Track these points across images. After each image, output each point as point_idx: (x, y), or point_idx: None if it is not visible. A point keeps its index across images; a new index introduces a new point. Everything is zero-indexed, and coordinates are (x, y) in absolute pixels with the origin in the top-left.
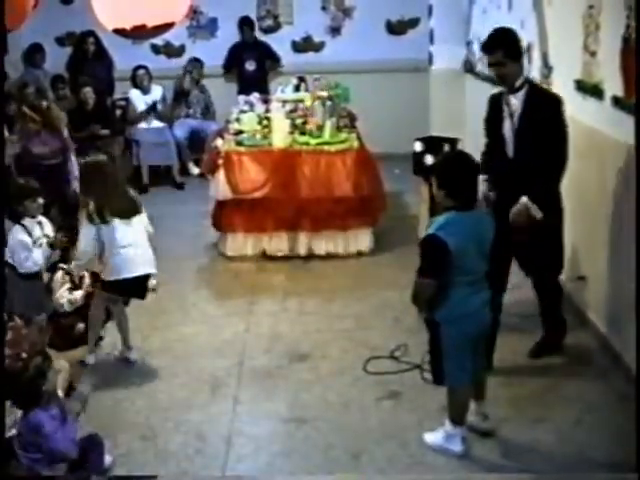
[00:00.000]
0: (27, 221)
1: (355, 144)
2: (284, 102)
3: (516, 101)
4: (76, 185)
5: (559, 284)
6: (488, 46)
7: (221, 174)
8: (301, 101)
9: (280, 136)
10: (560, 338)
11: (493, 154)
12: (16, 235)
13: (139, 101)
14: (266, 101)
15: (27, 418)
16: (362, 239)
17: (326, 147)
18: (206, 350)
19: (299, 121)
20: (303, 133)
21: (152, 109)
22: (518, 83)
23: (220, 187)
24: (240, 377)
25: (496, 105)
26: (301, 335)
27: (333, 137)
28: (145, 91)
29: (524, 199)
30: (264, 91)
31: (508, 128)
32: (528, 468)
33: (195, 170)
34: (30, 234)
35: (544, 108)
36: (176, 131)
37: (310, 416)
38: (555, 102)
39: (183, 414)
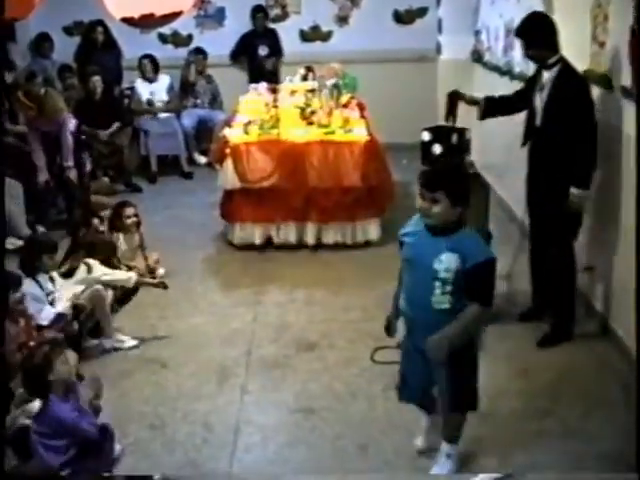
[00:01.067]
0: (40, 276)
1: (363, 134)
2: (292, 91)
3: (548, 77)
4: (73, 174)
5: (574, 266)
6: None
7: (229, 164)
8: (309, 90)
9: (288, 126)
10: (570, 327)
11: (501, 99)
12: (28, 289)
13: (144, 90)
14: (274, 90)
15: (47, 408)
16: (370, 229)
17: (334, 137)
18: (214, 340)
19: (307, 110)
20: (311, 123)
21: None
22: (552, 60)
23: (228, 177)
24: (248, 367)
25: (533, 78)
26: (309, 325)
27: (341, 127)
28: (150, 80)
29: (573, 190)
30: (275, 79)
31: (538, 101)
32: (535, 460)
33: (202, 160)
34: (42, 288)
35: (570, 86)
36: (184, 121)
37: (317, 406)
38: (581, 82)
39: (191, 404)
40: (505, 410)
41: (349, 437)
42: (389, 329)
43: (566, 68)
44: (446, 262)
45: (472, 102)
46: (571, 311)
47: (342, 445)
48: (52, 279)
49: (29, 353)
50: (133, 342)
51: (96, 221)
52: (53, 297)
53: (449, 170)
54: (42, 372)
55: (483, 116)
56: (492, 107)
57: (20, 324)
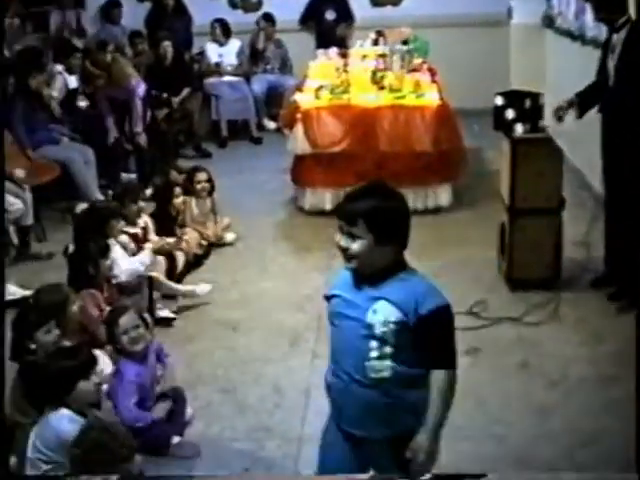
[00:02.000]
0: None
1: (435, 98)
2: (363, 56)
3: (618, 38)
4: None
5: None
6: None
7: (300, 129)
8: (380, 55)
9: (359, 90)
10: None
11: (590, 88)
12: (115, 254)
13: (213, 53)
14: (344, 55)
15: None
16: (441, 195)
17: (405, 101)
18: (285, 304)
19: (378, 75)
20: (382, 87)
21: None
22: (621, 21)
23: (299, 142)
24: (319, 332)
25: (606, 43)
26: None
27: (412, 91)
28: (220, 44)
29: None
30: (344, 44)
31: (610, 64)
32: (604, 427)
33: (272, 125)
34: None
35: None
36: (254, 86)
37: None
38: None
39: (262, 367)
40: (575, 377)
41: None
42: None
43: (635, 28)
44: (382, 313)
45: (569, 105)
46: None
47: None
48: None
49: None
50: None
51: (178, 189)
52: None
53: (374, 194)
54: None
55: (581, 113)
56: (586, 99)
57: (104, 293)
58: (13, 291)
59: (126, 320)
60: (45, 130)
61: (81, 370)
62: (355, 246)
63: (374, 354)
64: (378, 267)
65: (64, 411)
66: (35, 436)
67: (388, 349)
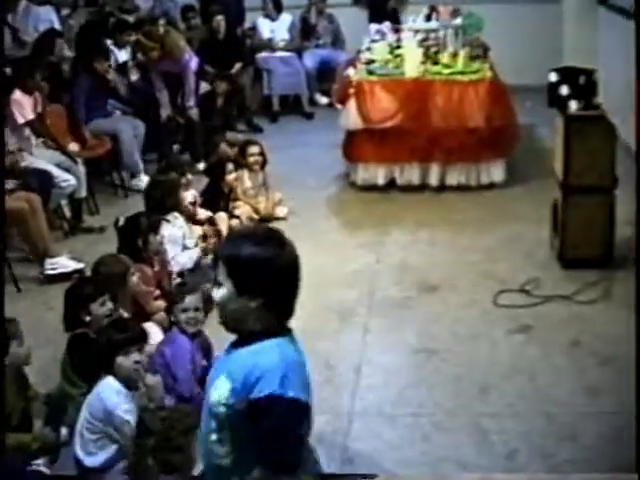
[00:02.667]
0: (170, 215)
1: (488, 74)
2: (416, 31)
3: None
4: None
5: None
6: None
7: (352, 104)
8: (433, 31)
9: (412, 66)
10: None
11: None
12: (165, 230)
13: (265, 28)
14: (397, 30)
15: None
16: (495, 171)
17: (459, 77)
18: (336, 280)
19: (431, 51)
20: (436, 63)
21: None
22: None
23: (351, 117)
24: (370, 307)
25: None
26: (431, 267)
27: (466, 67)
28: (272, 18)
29: None
30: (395, 20)
31: None
32: None
33: (323, 100)
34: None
35: None
36: (305, 61)
37: (439, 348)
38: None
39: (313, 342)
40: (625, 356)
41: (471, 379)
42: None
43: None
44: (219, 390)
45: None
46: None
47: (464, 387)
48: (176, 218)
49: (182, 289)
50: None
51: (230, 166)
52: (183, 232)
53: (249, 238)
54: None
55: None
56: None
57: (155, 268)
58: (65, 264)
59: (190, 300)
60: (102, 106)
61: (130, 343)
62: (216, 293)
63: (213, 437)
64: (243, 326)
65: (112, 383)
66: (85, 407)
67: (225, 433)
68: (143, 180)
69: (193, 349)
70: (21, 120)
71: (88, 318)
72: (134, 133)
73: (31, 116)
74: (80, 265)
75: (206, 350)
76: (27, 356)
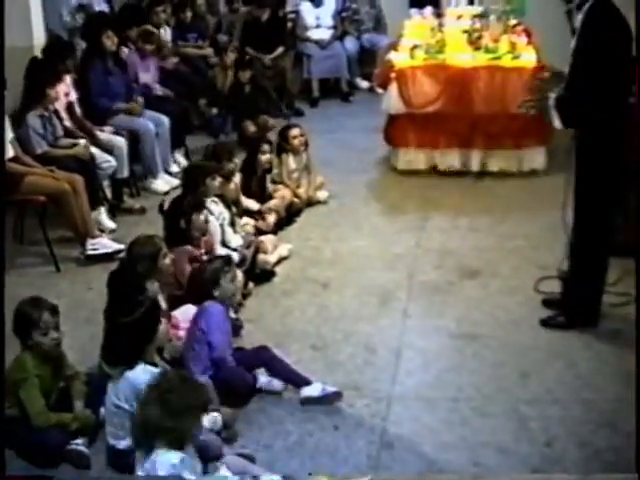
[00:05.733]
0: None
1: (531, 60)
2: (458, 16)
3: (579, 18)
4: None
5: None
6: None
7: (394, 88)
8: (475, 15)
9: (454, 50)
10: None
11: None
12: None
13: (309, 14)
14: (439, 15)
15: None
16: (536, 157)
17: (502, 62)
18: (376, 263)
19: (474, 35)
20: (478, 48)
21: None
22: None
23: (393, 101)
24: (410, 291)
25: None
26: (472, 252)
27: (509, 52)
28: (317, 4)
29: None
30: (437, 4)
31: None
32: None
33: (364, 84)
34: (212, 213)
35: (599, 30)
36: (347, 45)
37: (479, 333)
38: (613, 25)
39: (353, 325)
40: None
41: (511, 365)
42: None
43: (596, 6)
44: None
45: None
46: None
47: (503, 372)
48: (215, 203)
49: (200, 265)
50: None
51: (266, 146)
52: (224, 217)
53: None
54: (209, 285)
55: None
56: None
57: (201, 249)
58: (107, 244)
59: (229, 288)
60: (120, 91)
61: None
62: None
63: None
64: None
65: (141, 367)
66: (111, 392)
67: None
68: (158, 184)
69: (225, 316)
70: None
71: (141, 297)
72: (157, 130)
73: (63, 102)
74: (121, 246)
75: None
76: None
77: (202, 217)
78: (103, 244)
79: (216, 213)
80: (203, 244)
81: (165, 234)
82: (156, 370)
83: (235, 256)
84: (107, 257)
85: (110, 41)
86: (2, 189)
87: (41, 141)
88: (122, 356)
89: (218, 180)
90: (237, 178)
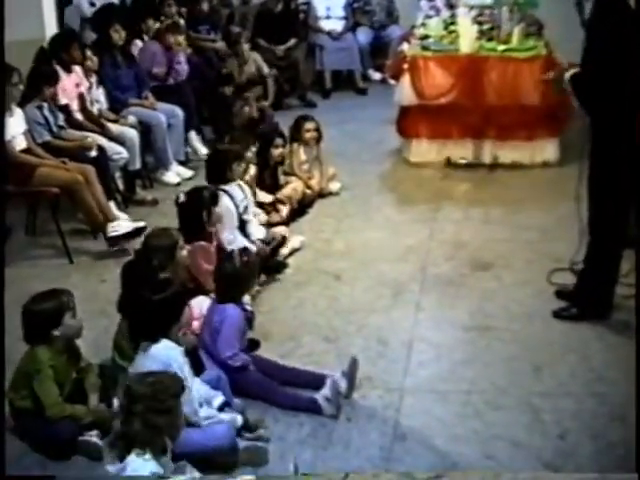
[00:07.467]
0: (229, 186)
1: (543, 52)
2: (470, 7)
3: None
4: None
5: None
6: None
7: (406, 79)
8: (488, 7)
9: (467, 42)
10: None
11: None
12: (224, 203)
13: (320, 5)
14: (452, 6)
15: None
16: (549, 149)
17: (514, 54)
18: (389, 255)
19: (486, 27)
20: (490, 39)
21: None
22: None
23: (405, 92)
24: (422, 283)
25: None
26: (484, 244)
27: (521, 44)
28: None
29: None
30: None
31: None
32: None
33: (376, 76)
34: (232, 197)
35: (605, 16)
36: (359, 37)
37: (492, 325)
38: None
39: (365, 317)
40: None
41: (524, 358)
42: None
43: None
44: None
45: None
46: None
47: (517, 365)
48: (241, 187)
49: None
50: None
51: (279, 140)
52: (246, 205)
53: None
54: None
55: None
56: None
57: (214, 243)
58: (126, 224)
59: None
60: (131, 84)
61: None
62: None
63: None
64: None
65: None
66: (134, 367)
67: None
68: (170, 176)
69: (241, 318)
70: (64, 101)
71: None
72: (170, 122)
73: (74, 93)
74: (141, 223)
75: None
76: (79, 329)
77: (218, 209)
78: (123, 225)
79: (239, 198)
80: (215, 238)
81: (181, 226)
82: (179, 349)
83: (253, 248)
84: (130, 236)
85: (118, 35)
86: (2, 180)
87: (42, 131)
88: (149, 332)
89: (242, 165)
90: (253, 170)
